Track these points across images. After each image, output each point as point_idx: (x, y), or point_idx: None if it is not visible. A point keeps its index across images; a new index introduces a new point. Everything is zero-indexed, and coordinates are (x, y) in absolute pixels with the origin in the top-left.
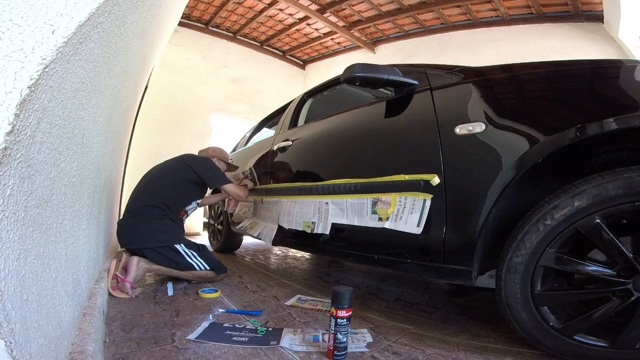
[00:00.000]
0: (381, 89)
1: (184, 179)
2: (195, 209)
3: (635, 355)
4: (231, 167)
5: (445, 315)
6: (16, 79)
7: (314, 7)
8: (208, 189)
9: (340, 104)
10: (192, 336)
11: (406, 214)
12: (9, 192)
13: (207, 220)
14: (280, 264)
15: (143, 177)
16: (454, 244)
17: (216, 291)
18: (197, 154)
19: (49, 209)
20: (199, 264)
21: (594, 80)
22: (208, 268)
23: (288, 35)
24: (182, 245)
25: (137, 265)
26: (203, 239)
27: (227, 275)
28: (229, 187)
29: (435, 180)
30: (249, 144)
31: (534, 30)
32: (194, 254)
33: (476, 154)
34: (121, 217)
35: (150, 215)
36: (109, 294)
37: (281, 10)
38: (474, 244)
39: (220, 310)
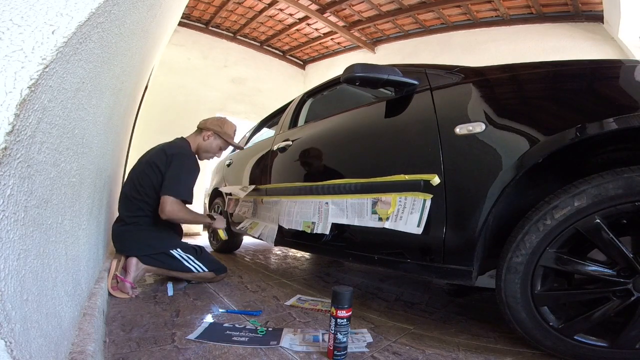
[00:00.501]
0: (381, 89)
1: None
2: None
3: (635, 355)
4: (233, 145)
5: (445, 315)
6: (16, 79)
7: (314, 7)
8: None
9: (340, 104)
10: (192, 336)
11: (406, 214)
12: (9, 192)
13: None
14: (280, 264)
15: (129, 175)
16: (454, 244)
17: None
18: (188, 136)
19: (49, 209)
20: (196, 266)
21: (594, 80)
22: (207, 270)
23: (288, 35)
24: (178, 250)
25: (136, 265)
26: (203, 239)
27: (227, 275)
28: (167, 200)
29: (436, 180)
30: (249, 144)
31: (534, 30)
32: (191, 257)
33: (476, 154)
34: (114, 222)
35: (143, 223)
36: (109, 294)
37: (281, 10)
38: (474, 244)
39: (220, 310)
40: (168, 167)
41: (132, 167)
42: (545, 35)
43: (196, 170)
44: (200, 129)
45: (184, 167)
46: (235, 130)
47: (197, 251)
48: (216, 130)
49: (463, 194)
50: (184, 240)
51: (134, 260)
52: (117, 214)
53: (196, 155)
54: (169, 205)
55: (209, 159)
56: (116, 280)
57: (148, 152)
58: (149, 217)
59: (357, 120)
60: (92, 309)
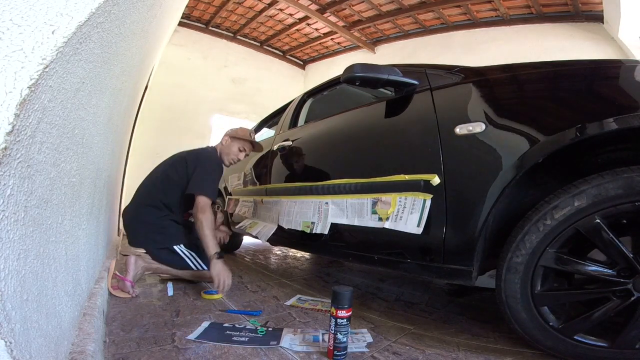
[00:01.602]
0: (381, 89)
1: (181, 178)
2: None
3: (635, 355)
4: (256, 147)
5: (445, 315)
6: (16, 79)
7: (314, 7)
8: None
9: (340, 104)
10: (192, 336)
11: (406, 214)
12: (9, 192)
13: None
14: (280, 264)
15: (152, 171)
16: (454, 244)
17: (217, 292)
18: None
19: (49, 209)
20: (197, 264)
21: (594, 80)
22: (207, 268)
23: (288, 35)
24: (181, 246)
25: (134, 264)
26: None
27: None
28: (201, 200)
29: (436, 180)
30: None
31: (534, 30)
32: (193, 254)
33: (476, 154)
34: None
35: (150, 216)
36: (109, 293)
37: (281, 10)
38: (474, 244)
39: (220, 310)
40: (196, 166)
41: (156, 167)
42: (545, 35)
43: (218, 171)
44: (222, 138)
45: (209, 167)
46: (250, 133)
47: (200, 249)
48: (231, 135)
49: (463, 194)
50: None
51: (132, 259)
52: (117, 215)
53: (221, 160)
54: (206, 208)
55: (233, 162)
56: (116, 280)
57: (177, 153)
58: (156, 208)
59: (357, 120)
60: (92, 309)
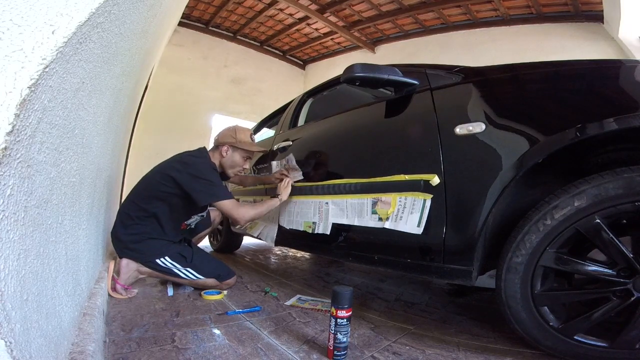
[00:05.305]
0: (381, 89)
1: (164, 193)
2: (200, 220)
3: (635, 355)
4: (255, 151)
5: (445, 315)
6: (16, 79)
7: (314, 7)
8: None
9: (340, 104)
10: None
11: (406, 214)
12: (9, 192)
13: None
14: (280, 264)
15: (140, 181)
16: (454, 244)
17: (219, 293)
18: (197, 150)
19: (49, 209)
20: (186, 274)
21: (594, 80)
22: (201, 277)
23: (288, 35)
24: (165, 258)
25: (126, 267)
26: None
27: (236, 281)
28: (224, 205)
29: (435, 180)
30: None
31: (534, 30)
32: (176, 265)
33: (476, 154)
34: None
35: (124, 233)
36: (109, 294)
37: (281, 10)
38: (474, 244)
39: (220, 313)
40: (190, 182)
41: (146, 174)
42: (545, 35)
43: (216, 174)
44: (217, 145)
45: (206, 173)
46: (251, 134)
47: (185, 258)
48: (231, 143)
49: (463, 194)
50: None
51: (123, 262)
52: (116, 215)
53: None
54: (236, 210)
55: (240, 173)
56: (113, 282)
57: (165, 161)
58: (131, 226)
59: (357, 120)
60: (92, 309)
